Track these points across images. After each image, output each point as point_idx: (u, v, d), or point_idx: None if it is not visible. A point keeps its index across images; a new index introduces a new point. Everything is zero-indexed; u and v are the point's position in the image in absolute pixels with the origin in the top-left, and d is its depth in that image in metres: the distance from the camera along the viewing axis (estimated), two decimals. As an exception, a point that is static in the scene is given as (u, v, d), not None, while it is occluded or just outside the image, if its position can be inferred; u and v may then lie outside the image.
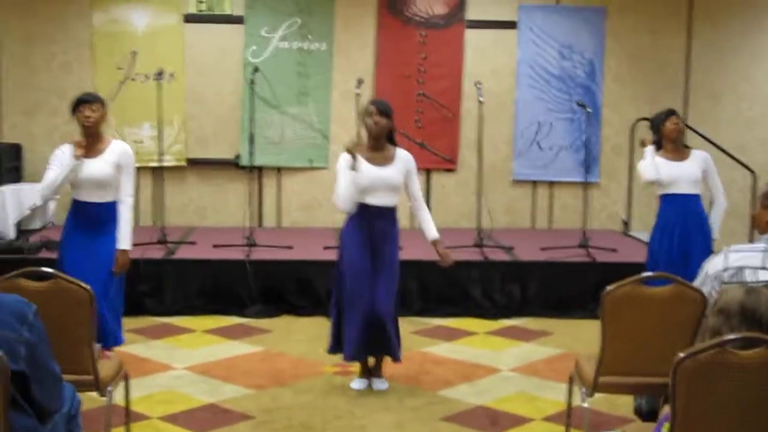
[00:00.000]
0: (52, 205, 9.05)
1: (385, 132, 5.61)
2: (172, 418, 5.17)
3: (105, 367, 4.34)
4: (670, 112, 6.52)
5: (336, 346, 5.74)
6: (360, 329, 5.54)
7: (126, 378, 4.57)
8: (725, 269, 3.87)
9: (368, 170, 5.51)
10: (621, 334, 4.19)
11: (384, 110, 5.57)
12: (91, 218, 5.56)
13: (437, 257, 5.80)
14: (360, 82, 8.26)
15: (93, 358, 4.13)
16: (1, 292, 3.11)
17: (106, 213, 5.58)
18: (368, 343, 5.62)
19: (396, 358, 5.77)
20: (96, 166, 5.53)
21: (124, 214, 5.61)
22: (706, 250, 6.25)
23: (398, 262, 5.72)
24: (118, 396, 4.50)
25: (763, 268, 3.80)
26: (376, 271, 5.55)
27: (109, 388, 4.28)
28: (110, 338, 5.52)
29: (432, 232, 5.74)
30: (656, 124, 6.50)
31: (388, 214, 5.61)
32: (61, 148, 5.58)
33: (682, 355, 3.03)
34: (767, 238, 3.90)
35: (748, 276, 3.80)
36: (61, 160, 5.50)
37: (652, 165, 6.36)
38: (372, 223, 5.55)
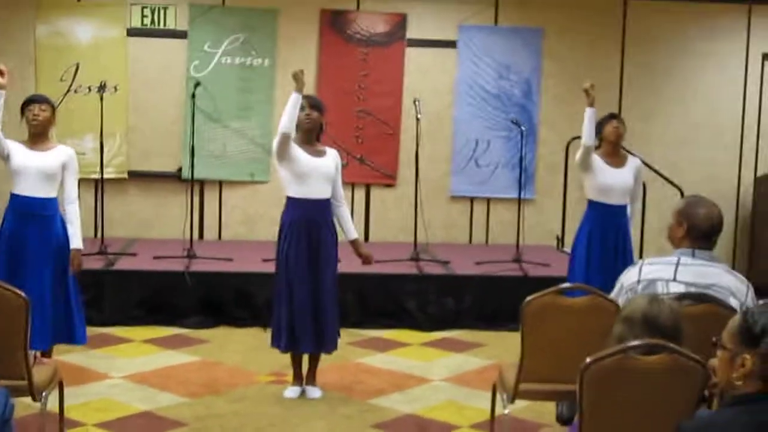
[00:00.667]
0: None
1: (317, 126, 5.80)
2: (106, 425, 5.26)
3: (39, 372, 4.43)
4: (612, 116, 6.66)
5: (278, 340, 5.86)
6: (305, 321, 5.72)
7: (60, 384, 4.66)
8: (639, 281, 4.06)
9: (305, 158, 5.70)
10: (540, 342, 4.37)
11: (316, 104, 5.81)
12: (33, 212, 5.65)
13: (357, 257, 6.06)
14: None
15: (27, 363, 4.22)
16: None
17: (49, 208, 5.69)
18: (305, 335, 5.76)
19: (330, 350, 5.93)
20: (44, 159, 5.65)
21: (74, 214, 5.75)
22: (627, 261, 6.47)
23: (337, 253, 5.91)
24: (52, 403, 4.57)
25: (674, 281, 4.00)
26: (317, 262, 5.74)
27: (43, 393, 4.37)
28: (70, 335, 5.68)
29: (352, 232, 6.01)
30: (600, 124, 6.58)
31: (323, 205, 5.80)
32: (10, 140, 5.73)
33: (588, 360, 3.22)
34: (680, 252, 4.09)
35: (660, 288, 3.99)
36: (7, 148, 5.64)
37: (591, 129, 6.41)
38: (308, 215, 5.72)
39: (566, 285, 4.60)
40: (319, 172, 5.76)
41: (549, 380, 4.44)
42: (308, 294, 5.75)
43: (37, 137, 5.75)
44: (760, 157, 10.38)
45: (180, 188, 9.61)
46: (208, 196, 9.79)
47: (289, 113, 5.56)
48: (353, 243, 6.06)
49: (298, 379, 5.98)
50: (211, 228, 9.83)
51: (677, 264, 4.03)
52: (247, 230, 9.87)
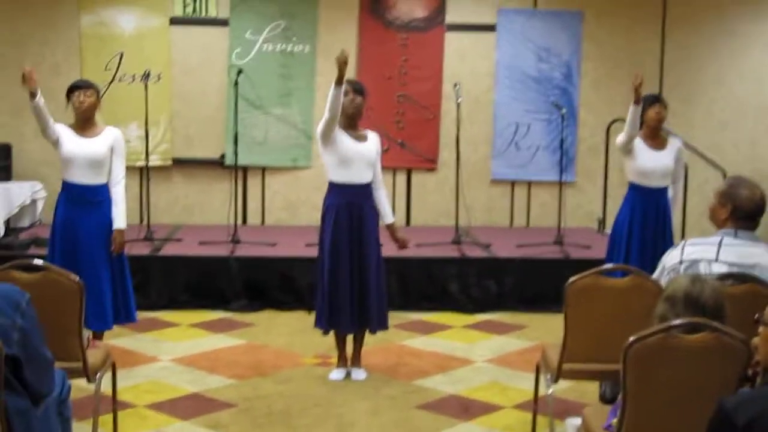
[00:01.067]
0: (40, 204, 9.28)
1: (361, 110, 5.88)
2: (157, 407, 5.39)
3: (93, 355, 4.55)
4: (655, 99, 6.57)
5: (321, 321, 5.97)
6: (346, 302, 5.83)
7: (113, 367, 4.78)
8: (681, 262, 4.10)
9: (348, 143, 5.79)
10: (583, 323, 4.42)
11: (360, 89, 5.87)
12: (85, 199, 5.80)
13: (394, 241, 6.14)
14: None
15: (82, 346, 4.35)
16: (-5, 283, 3.32)
17: (100, 194, 5.83)
18: (347, 316, 5.87)
19: (376, 330, 6.03)
20: (92, 146, 5.79)
21: (119, 195, 5.88)
22: (667, 243, 6.49)
23: (379, 236, 6.00)
24: (104, 385, 4.69)
25: (717, 261, 4.04)
26: (360, 245, 5.83)
27: (97, 375, 4.49)
28: (121, 316, 5.83)
29: (389, 216, 6.10)
30: (642, 108, 6.48)
31: (365, 189, 5.89)
32: (59, 124, 5.88)
33: (631, 339, 3.26)
34: (723, 232, 4.13)
35: (703, 268, 4.03)
36: (57, 134, 5.82)
37: (635, 124, 6.36)
38: (350, 200, 5.81)
39: (609, 266, 4.64)
40: (361, 157, 5.84)
41: (592, 360, 4.48)
42: (351, 276, 5.84)
43: (84, 122, 5.89)
44: (803, 138, 10.32)
45: (223, 175, 9.75)
46: (251, 182, 9.91)
47: (333, 99, 5.62)
48: (389, 227, 6.13)
49: (342, 360, 6.07)
50: (254, 213, 9.96)
51: (720, 244, 4.08)
52: (289, 215, 9.97)
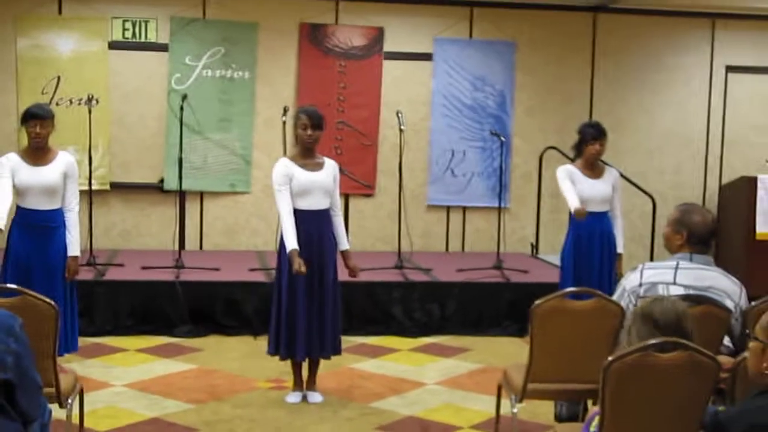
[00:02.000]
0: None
1: (317, 142, 6.00)
2: (119, 432, 5.39)
3: (63, 380, 4.54)
4: (599, 134, 6.77)
5: (276, 348, 6.04)
6: (302, 328, 5.91)
7: (81, 391, 4.77)
8: (641, 284, 4.30)
9: (303, 175, 5.90)
10: (547, 343, 4.58)
11: (319, 124, 5.97)
12: (39, 225, 5.78)
13: (346, 267, 6.20)
14: (286, 110, 8.54)
15: (56, 371, 4.35)
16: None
17: (53, 219, 5.82)
18: (306, 342, 5.96)
19: (330, 355, 6.12)
20: (46, 174, 5.78)
21: (72, 221, 5.89)
22: (610, 265, 6.76)
23: (336, 261, 6.10)
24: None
25: (674, 284, 4.25)
26: (320, 271, 5.93)
27: (69, 400, 4.49)
28: (68, 344, 5.81)
29: (344, 242, 6.18)
30: (582, 140, 6.79)
31: (321, 215, 6.00)
32: (7, 156, 5.84)
33: (610, 358, 3.44)
34: (678, 257, 4.34)
35: (661, 290, 4.24)
36: (8, 168, 5.74)
37: (573, 193, 6.63)
38: (309, 227, 5.91)
39: (573, 288, 4.82)
40: (317, 186, 5.95)
41: (555, 380, 4.65)
42: (310, 302, 5.93)
43: (37, 150, 5.88)
44: (725, 166, 10.74)
45: (161, 199, 9.74)
46: (189, 207, 9.90)
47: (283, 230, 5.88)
48: (343, 253, 6.22)
49: (299, 385, 6.14)
50: (192, 239, 9.94)
51: (676, 268, 4.28)
52: (228, 240, 10.00)
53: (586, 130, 6.87)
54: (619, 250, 6.91)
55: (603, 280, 6.64)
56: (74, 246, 5.94)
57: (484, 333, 8.03)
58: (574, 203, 6.55)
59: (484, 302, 8.23)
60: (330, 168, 6.08)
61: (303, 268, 5.67)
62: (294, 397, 6.09)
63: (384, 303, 8.14)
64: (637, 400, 3.45)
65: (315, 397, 6.10)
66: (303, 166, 5.96)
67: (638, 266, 4.40)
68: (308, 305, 5.93)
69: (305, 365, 6.16)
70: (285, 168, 5.94)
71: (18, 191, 5.83)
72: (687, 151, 10.71)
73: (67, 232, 5.91)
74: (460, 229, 10.41)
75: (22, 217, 5.86)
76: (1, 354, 3.14)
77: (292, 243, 5.78)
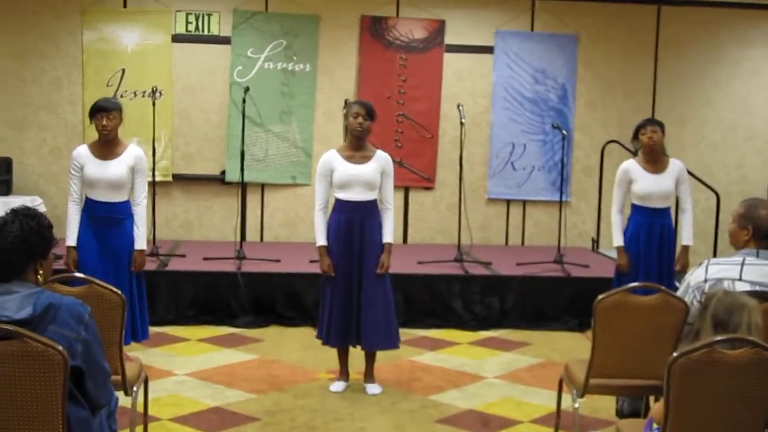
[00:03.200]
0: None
1: (368, 132, 5.99)
2: (182, 420, 5.46)
3: (129, 368, 4.62)
4: (647, 122, 6.72)
5: (320, 332, 6.13)
6: (339, 315, 5.97)
7: (146, 379, 4.85)
8: (705, 280, 4.24)
9: (345, 168, 5.93)
10: (610, 339, 4.54)
11: (368, 112, 5.96)
12: (105, 216, 5.89)
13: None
14: (347, 102, 8.55)
15: (122, 359, 4.42)
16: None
17: (120, 211, 5.92)
18: (346, 330, 6.01)
19: (386, 347, 6.16)
20: (113, 169, 5.88)
21: (140, 215, 5.98)
22: (670, 261, 6.68)
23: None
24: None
25: (740, 280, 4.18)
26: (360, 259, 5.95)
27: (134, 388, 4.57)
28: (138, 333, 5.92)
29: (387, 236, 6.07)
30: (635, 132, 6.71)
31: (365, 206, 5.98)
32: (78, 150, 5.96)
33: (675, 354, 3.40)
34: (744, 253, 4.28)
35: (727, 287, 4.17)
36: (78, 165, 5.86)
37: (620, 230, 6.71)
38: (352, 215, 5.93)
39: (636, 284, 4.77)
40: (358, 180, 5.93)
41: (617, 375, 4.61)
42: (348, 290, 5.96)
43: (106, 144, 5.98)
44: (791, 161, 10.58)
45: (223, 191, 9.85)
46: (250, 199, 9.99)
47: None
48: (383, 246, 6.09)
49: (343, 374, 6.19)
50: (252, 230, 10.03)
51: (742, 264, 4.21)
52: (288, 232, 10.07)
53: (638, 122, 6.82)
54: (686, 242, 6.80)
55: (662, 276, 6.56)
56: (141, 240, 6.05)
57: (544, 327, 8.00)
58: (618, 242, 6.70)
59: (544, 296, 8.19)
60: (378, 161, 6.01)
61: (331, 271, 5.86)
62: (337, 386, 6.13)
63: (443, 296, 8.14)
64: (702, 396, 3.41)
65: (373, 388, 6.11)
66: (348, 158, 5.96)
67: (703, 262, 4.35)
68: (346, 292, 5.97)
69: (360, 356, 6.18)
70: (326, 161, 5.99)
71: (86, 184, 5.95)
72: (751, 145, 10.54)
73: (134, 226, 6.01)
74: (520, 223, 10.37)
75: (89, 208, 5.98)
76: (72, 342, 3.21)
77: (320, 239, 5.91)
